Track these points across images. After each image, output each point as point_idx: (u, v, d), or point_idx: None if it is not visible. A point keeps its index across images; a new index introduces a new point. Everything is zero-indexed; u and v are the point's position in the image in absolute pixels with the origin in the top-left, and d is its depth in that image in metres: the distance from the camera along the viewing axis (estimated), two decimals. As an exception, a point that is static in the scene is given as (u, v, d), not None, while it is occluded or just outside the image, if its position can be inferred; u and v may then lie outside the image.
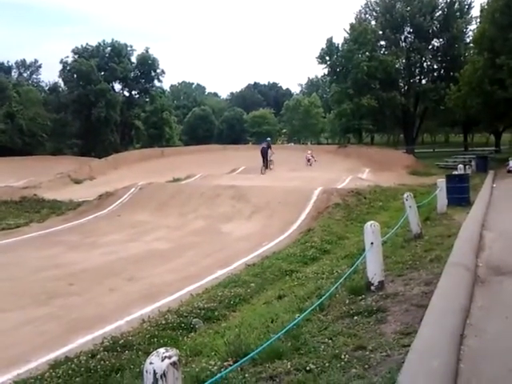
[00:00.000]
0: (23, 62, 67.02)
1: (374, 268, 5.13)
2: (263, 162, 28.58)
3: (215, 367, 3.83)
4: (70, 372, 4.61)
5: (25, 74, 67.34)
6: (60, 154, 49.84)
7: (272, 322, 5.01)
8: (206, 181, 22.73)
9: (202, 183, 21.43)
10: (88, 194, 21.22)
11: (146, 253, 10.75)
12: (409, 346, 3.36)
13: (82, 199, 19.10)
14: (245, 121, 70.97)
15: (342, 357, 3.47)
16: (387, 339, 3.71)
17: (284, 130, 74.05)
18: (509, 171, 22.02)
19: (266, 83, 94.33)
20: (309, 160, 32.25)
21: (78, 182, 31.09)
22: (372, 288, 5.10)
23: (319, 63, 45.99)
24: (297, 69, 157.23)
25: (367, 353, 3.49)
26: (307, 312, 4.29)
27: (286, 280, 7.76)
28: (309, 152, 33.53)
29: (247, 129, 69.89)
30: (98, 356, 4.91)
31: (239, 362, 3.37)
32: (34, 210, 17.20)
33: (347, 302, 4.85)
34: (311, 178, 22.01)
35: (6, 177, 29.63)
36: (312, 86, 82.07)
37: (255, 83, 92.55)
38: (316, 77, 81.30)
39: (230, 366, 3.66)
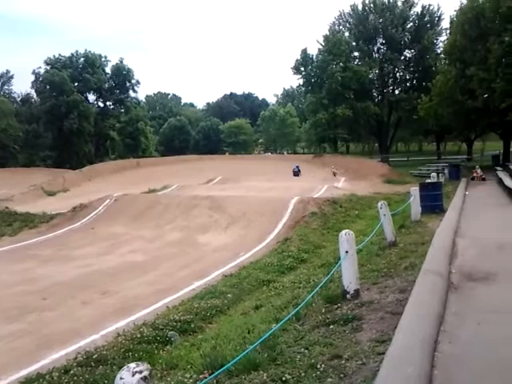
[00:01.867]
0: (-6, 72, 65.67)
1: (349, 276, 5.15)
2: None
3: (190, 380, 3.79)
4: (41, 389, 4.49)
5: (-4, 85, 65.94)
6: (33, 166, 48.90)
7: (249, 333, 4.97)
8: (182, 191, 22.62)
9: (178, 194, 21.31)
10: (62, 206, 20.85)
11: (121, 265, 10.61)
12: (384, 353, 3.38)
13: (55, 211, 18.75)
14: (221, 131, 71.01)
15: (318, 366, 3.45)
16: (363, 347, 3.71)
17: (260, 140, 74.38)
18: (472, 178, 22.50)
19: (242, 93, 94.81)
20: (334, 174, 32.10)
21: (51, 194, 30.48)
22: (348, 296, 5.11)
23: (294, 73, 46.62)
24: (272, 79, 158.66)
25: (343, 362, 3.49)
26: (283, 322, 4.27)
27: (263, 290, 7.75)
28: (332, 167, 33.49)
29: (224, 139, 69.91)
30: (72, 371, 4.83)
31: (214, 374, 3.34)
32: (5, 224, 16.79)
33: (323, 310, 4.85)
34: (287, 187, 22.13)
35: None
36: (288, 96, 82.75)
37: (231, 93, 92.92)
38: (291, 87, 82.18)
39: (206, 378, 3.62)
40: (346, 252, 5.11)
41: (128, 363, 4.59)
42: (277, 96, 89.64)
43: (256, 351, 3.86)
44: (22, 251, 12.68)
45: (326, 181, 26.97)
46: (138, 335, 5.71)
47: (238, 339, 4.81)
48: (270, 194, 18.86)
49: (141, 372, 2.06)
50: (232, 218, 14.67)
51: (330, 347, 3.84)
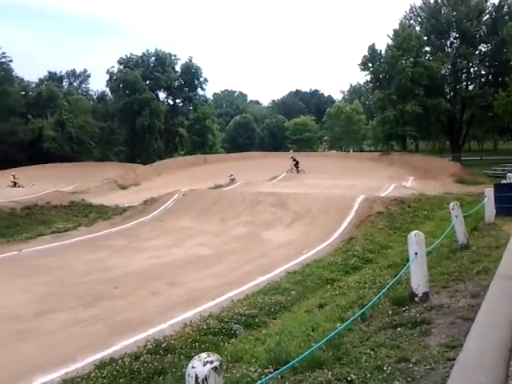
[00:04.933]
0: (73, 71, 69.74)
1: (418, 279, 5.01)
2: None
3: (255, 374, 3.84)
4: (114, 373, 4.74)
5: (75, 84, 70.01)
6: (106, 161, 51.52)
7: (313, 331, 4.98)
8: (247, 188, 22.88)
9: (243, 190, 21.58)
10: (133, 199, 21.79)
11: (188, 258, 10.93)
12: (454, 359, 3.26)
13: (127, 204, 19.64)
14: (286, 128, 70.97)
15: (385, 368, 3.40)
16: (431, 352, 3.61)
17: (325, 138, 73.54)
18: None
19: (308, 90, 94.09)
20: (297, 168, 34.26)
21: (123, 187, 31.99)
22: (416, 299, 4.98)
23: (361, 70, 45.66)
24: (339, 76, 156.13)
25: (410, 365, 3.42)
26: (349, 322, 4.24)
27: (327, 289, 7.70)
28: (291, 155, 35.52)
29: (288, 136, 69.84)
30: (142, 358, 5.03)
31: (280, 370, 3.38)
32: (82, 215, 17.81)
33: (390, 312, 4.76)
34: (352, 185, 21.75)
35: (56, 182, 30.80)
36: (354, 92, 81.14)
37: (297, 90, 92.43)
38: (358, 83, 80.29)
39: (271, 373, 3.67)
40: (416, 254, 4.97)
41: (195, 353, 4.77)
42: (343, 92, 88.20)
43: (321, 349, 3.87)
44: (97, 241, 13.34)
45: (392, 179, 26.24)
46: (205, 326, 5.87)
47: (302, 336, 4.83)
48: (334, 192, 18.62)
49: (211, 362, 2.14)
50: (296, 215, 14.65)
51: (397, 350, 3.77)
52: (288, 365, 3.39)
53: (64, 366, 5.30)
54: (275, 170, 33.24)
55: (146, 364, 4.87)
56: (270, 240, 12.76)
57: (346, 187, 20.83)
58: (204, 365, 2.13)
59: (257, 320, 6.25)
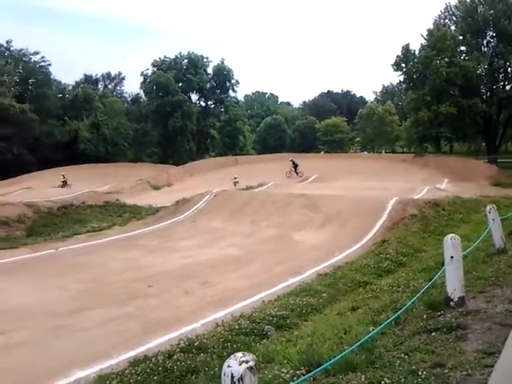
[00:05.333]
0: (108, 74, 71.21)
1: (453, 283, 4.92)
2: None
3: (287, 375, 3.85)
4: (148, 370, 4.82)
5: (110, 86, 71.52)
6: (139, 162, 52.47)
7: (345, 334, 4.95)
8: (277, 189, 22.89)
9: (274, 191, 21.61)
10: (166, 199, 22.09)
11: (219, 258, 11.03)
12: (492, 366, 3.20)
13: (160, 205, 19.93)
14: (317, 129, 70.57)
15: (419, 373, 3.36)
16: (468, 358, 3.54)
17: (357, 139, 72.70)
18: None
19: (340, 91, 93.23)
20: (296, 170, 34.63)
21: (156, 188, 32.55)
22: (451, 304, 4.89)
23: (394, 70, 44.92)
24: (371, 76, 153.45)
25: (446, 371, 3.36)
26: (383, 325, 4.20)
27: (359, 291, 7.64)
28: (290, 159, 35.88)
29: (319, 137, 69.41)
30: (175, 357, 5.10)
31: (312, 372, 3.38)
32: (116, 214, 18.18)
33: (424, 316, 4.68)
34: (385, 187, 21.48)
35: (91, 182, 31.58)
36: (387, 93, 79.84)
37: (328, 91, 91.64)
38: (391, 84, 79.07)
39: (303, 375, 3.68)
40: (451, 257, 4.88)
41: (227, 353, 4.82)
42: (375, 93, 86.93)
43: (354, 353, 3.85)
44: (130, 241, 13.59)
45: (426, 182, 25.76)
46: (236, 327, 5.92)
47: (334, 339, 4.81)
48: (366, 194, 18.42)
49: (247, 362, 2.16)
50: (327, 216, 14.57)
51: (432, 355, 3.72)
52: (321, 367, 3.38)
53: (99, 362, 5.41)
54: (306, 172, 33.19)
55: (178, 362, 4.94)
56: (301, 242, 12.73)
57: (379, 189, 20.58)
58: (240, 364, 2.15)
59: (288, 321, 6.26)
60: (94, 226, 15.64)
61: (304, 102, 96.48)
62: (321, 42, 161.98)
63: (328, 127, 68.64)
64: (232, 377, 2.13)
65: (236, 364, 2.16)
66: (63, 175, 33.91)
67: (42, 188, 28.87)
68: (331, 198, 16.34)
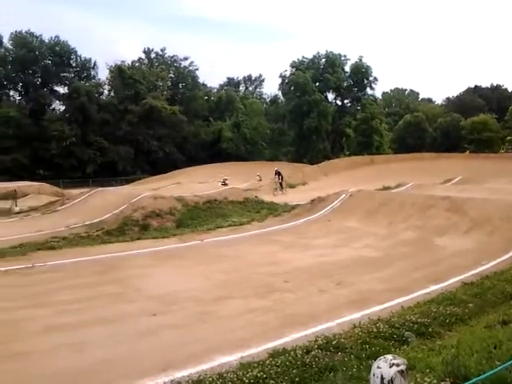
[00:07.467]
0: (249, 77, 74.69)
1: None
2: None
3: (431, 385, 3.69)
4: (287, 363, 4.95)
5: (250, 88, 74.86)
6: (275, 160, 54.00)
7: (495, 349, 4.58)
8: (417, 190, 21.81)
9: (413, 192, 20.63)
10: (301, 197, 22.46)
11: (354, 259, 10.89)
12: None
13: (295, 203, 20.33)
14: (462, 127, 65.52)
15: None
16: None
17: (508, 138, 65.86)
18: None
19: (488, 86, 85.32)
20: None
21: (291, 186, 33.28)
22: None
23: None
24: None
25: None
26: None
27: (510, 304, 6.99)
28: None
29: (464, 136, 64.37)
30: (313, 353, 5.18)
31: (459, 385, 3.20)
32: (254, 210, 18.95)
33: None
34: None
35: (235, 179, 33.23)
36: (547, 86, 71.12)
37: (475, 86, 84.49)
38: (553, 76, 70.12)
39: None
40: None
41: (365, 355, 4.77)
42: (531, 87, 78.00)
43: (507, 370, 3.55)
44: (268, 236, 14.07)
45: None
46: (374, 330, 5.80)
47: (483, 353, 4.48)
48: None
49: (398, 365, 2.14)
50: (473, 221, 13.47)
51: None
52: (470, 381, 3.18)
53: (239, 349, 5.66)
54: (449, 173, 31.03)
55: (317, 359, 5.00)
56: (443, 247, 11.98)
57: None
58: (390, 366, 2.14)
59: (430, 329, 5.96)
60: (234, 220, 16.53)
61: (447, 99, 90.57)
62: (466, 33, 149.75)
63: (475, 125, 63.37)
64: (382, 378, 2.13)
65: (386, 366, 2.15)
66: (223, 178, 33.75)
67: (191, 183, 31.26)
68: (479, 202, 15.05)
